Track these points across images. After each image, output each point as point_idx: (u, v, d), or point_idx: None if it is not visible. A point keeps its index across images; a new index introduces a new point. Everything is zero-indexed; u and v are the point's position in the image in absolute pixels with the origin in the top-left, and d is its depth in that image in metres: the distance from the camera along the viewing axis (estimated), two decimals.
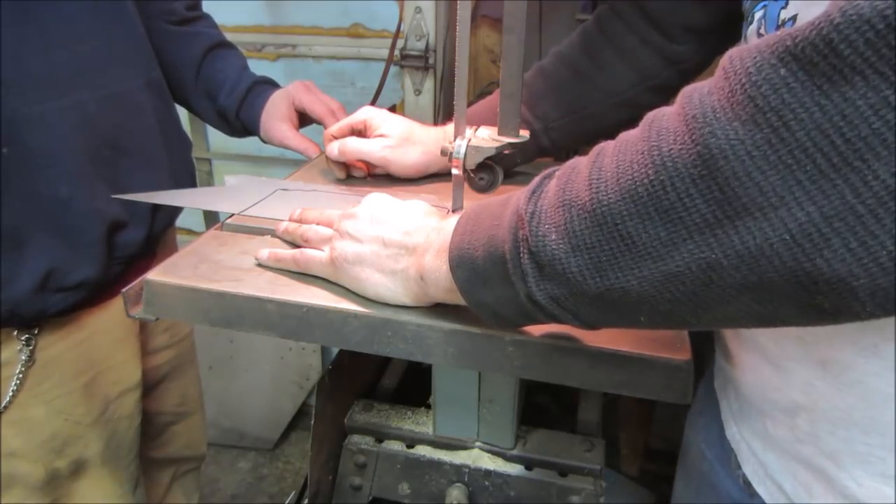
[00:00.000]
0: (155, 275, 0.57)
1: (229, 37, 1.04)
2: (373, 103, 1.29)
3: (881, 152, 0.28)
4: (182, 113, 0.98)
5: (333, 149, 0.78)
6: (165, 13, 0.94)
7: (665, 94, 0.77)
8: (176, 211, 0.94)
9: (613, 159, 0.37)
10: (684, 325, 0.41)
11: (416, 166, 0.79)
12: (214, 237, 0.65)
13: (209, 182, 1.94)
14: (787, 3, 0.47)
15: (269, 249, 0.59)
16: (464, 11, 0.58)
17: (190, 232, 1.77)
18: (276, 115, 0.94)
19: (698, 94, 0.34)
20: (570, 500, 0.70)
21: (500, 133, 0.64)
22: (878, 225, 0.29)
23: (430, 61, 1.12)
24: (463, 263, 0.45)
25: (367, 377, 0.85)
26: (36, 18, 0.71)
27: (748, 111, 0.31)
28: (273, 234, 0.65)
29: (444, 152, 0.65)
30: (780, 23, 0.47)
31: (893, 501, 0.45)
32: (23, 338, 0.77)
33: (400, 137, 0.77)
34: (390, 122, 0.78)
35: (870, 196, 0.29)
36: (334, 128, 0.80)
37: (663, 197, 0.34)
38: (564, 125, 0.78)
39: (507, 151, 0.63)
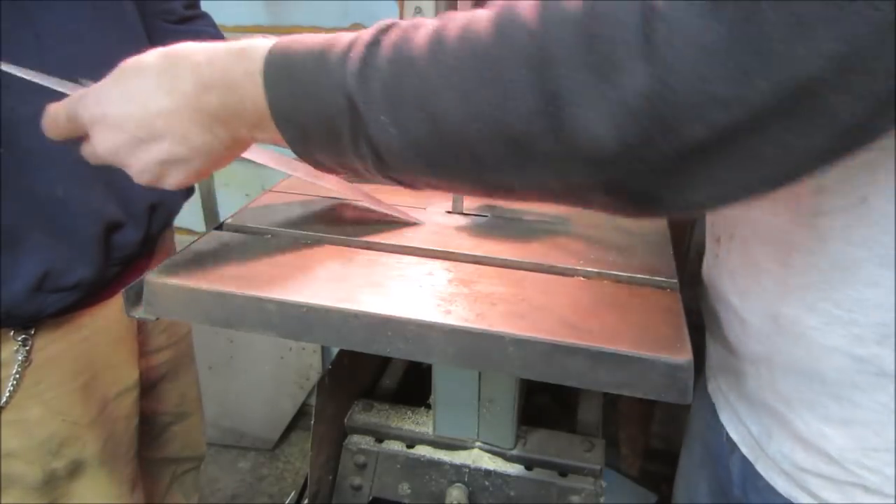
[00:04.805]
0: (155, 275, 0.57)
1: (229, 37, 1.03)
2: None
3: None
4: None
5: None
6: (164, 12, 0.94)
7: None
8: (173, 212, 0.94)
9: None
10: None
11: None
12: (214, 237, 0.65)
13: (209, 183, 1.94)
14: None
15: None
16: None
17: (190, 232, 1.77)
18: None
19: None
20: (570, 500, 0.70)
21: None
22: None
23: None
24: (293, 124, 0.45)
25: (367, 377, 0.85)
26: (31, 18, 0.71)
27: None
28: (272, 235, 0.65)
29: None
30: None
31: (835, 442, 0.51)
32: (19, 338, 0.77)
33: None
34: None
35: None
36: None
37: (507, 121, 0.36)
38: None
39: None
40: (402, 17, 1.13)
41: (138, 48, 0.85)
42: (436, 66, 0.38)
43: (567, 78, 0.33)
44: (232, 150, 0.51)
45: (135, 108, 0.47)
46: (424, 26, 0.40)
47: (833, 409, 0.50)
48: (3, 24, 0.68)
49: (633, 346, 0.48)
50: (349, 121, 0.41)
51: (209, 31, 1.00)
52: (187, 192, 0.96)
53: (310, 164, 0.48)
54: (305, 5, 1.59)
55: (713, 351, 0.66)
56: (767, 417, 0.57)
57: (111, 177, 0.79)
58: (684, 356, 0.47)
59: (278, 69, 0.44)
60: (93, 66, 0.77)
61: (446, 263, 0.61)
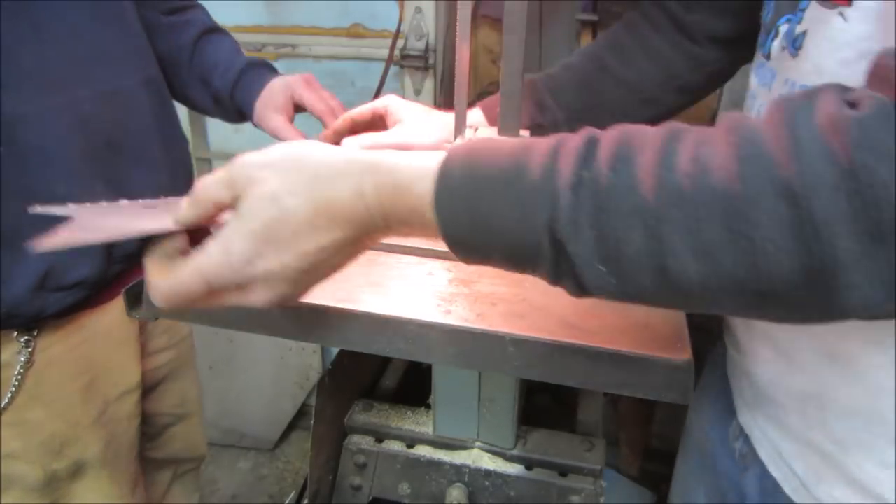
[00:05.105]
0: None
1: None
2: None
3: None
4: (182, 113, 0.98)
5: (352, 144, 0.76)
6: (156, 3, 0.93)
7: (691, 96, 0.77)
8: None
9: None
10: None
11: (434, 147, 0.76)
12: None
13: None
14: (802, 18, 0.49)
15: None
16: (464, 11, 0.58)
17: None
18: (272, 105, 0.92)
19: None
20: (570, 500, 0.70)
21: (500, 133, 0.65)
22: None
23: (430, 61, 1.12)
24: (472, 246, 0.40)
25: (367, 377, 0.85)
26: (30, 16, 0.70)
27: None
28: None
29: None
30: (795, 35, 0.49)
31: (892, 486, 0.48)
32: (22, 339, 0.77)
33: (416, 122, 0.75)
34: (409, 108, 0.76)
35: None
36: (355, 112, 0.78)
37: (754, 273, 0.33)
38: (588, 118, 0.77)
39: None
40: (401, 18, 1.13)
41: (136, 44, 0.85)
42: (669, 222, 0.34)
43: (839, 248, 0.31)
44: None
45: (292, 259, 0.41)
46: (638, 157, 0.35)
47: (890, 454, 0.48)
48: (4, 22, 0.68)
49: (633, 346, 0.48)
50: (552, 261, 0.38)
51: (201, 18, 0.99)
52: (187, 190, 0.96)
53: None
54: (305, 5, 1.59)
55: (746, 383, 0.62)
56: (815, 457, 0.53)
57: (112, 176, 0.80)
58: (684, 356, 0.47)
59: (454, 204, 0.39)
60: (91, 63, 0.77)
61: (446, 263, 0.61)
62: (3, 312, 0.73)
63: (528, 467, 0.72)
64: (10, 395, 0.77)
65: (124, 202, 0.53)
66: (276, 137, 0.91)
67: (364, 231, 0.42)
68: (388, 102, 0.77)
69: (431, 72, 1.14)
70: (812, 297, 0.33)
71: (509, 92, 0.61)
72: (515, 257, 0.40)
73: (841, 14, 0.44)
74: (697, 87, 0.77)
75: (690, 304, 0.37)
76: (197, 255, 0.43)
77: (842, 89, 0.34)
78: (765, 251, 0.32)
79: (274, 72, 0.97)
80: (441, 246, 0.41)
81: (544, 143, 0.38)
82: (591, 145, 0.37)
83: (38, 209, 0.48)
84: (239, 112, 0.96)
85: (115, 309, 0.86)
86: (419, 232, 0.42)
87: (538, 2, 0.98)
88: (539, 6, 1.00)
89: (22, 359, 0.77)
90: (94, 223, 0.49)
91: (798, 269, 0.32)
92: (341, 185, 0.41)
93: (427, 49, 1.12)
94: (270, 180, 0.41)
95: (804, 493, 0.55)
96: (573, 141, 0.37)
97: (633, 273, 0.36)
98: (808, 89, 0.35)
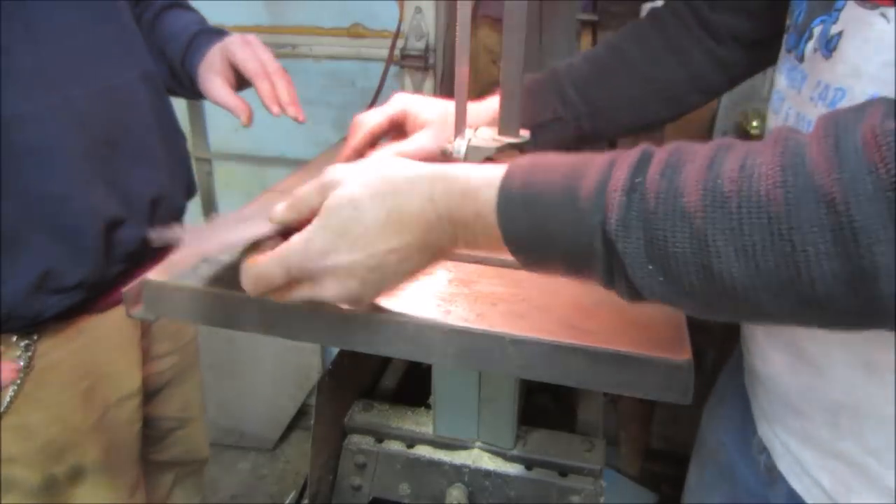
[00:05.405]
0: (155, 275, 0.57)
1: None
2: (373, 103, 1.29)
3: None
4: (182, 113, 0.97)
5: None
6: None
7: (711, 96, 0.77)
8: (177, 207, 0.92)
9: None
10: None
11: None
12: None
13: (209, 182, 1.94)
14: (837, 19, 0.48)
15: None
16: (464, 11, 0.58)
17: None
18: (212, 69, 0.85)
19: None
20: (570, 500, 0.70)
21: (500, 133, 0.65)
22: None
23: (430, 61, 1.11)
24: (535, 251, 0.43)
25: (367, 377, 0.85)
26: (25, 15, 0.70)
27: None
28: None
29: (444, 152, 0.65)
30: (829, 37, 0.48)
31: None
32: (22, 344, 0.77)
33: (442, 121, 0.71)
34: (429, 107, 0.73)
35: None
36: (372, 124, 0.74)
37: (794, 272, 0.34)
38: (609, 113, 0.76)
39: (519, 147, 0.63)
40: (401, 18, 1.13)
41: (131, 39, 0.84)
42: (713, 224, 0.35)
43: (877, 254, 0.32)
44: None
45: (363, 256, 0.45)
46: (687, 165, 0.37)
47: None
48: (1, 22, 0.68)
49: (633, 346, 0.48)
50: (604, 262, 0.40)
51: (183, 4, 0.96)
52: (188, 189, 0.95)
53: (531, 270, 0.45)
54: (305, 5, 1.59)
55: (763, 393, 0.61)
56: (845, 469, 0.53)
57: (111, 174, 0.79)
58: (684, 356, 0.47)
59: (515, 208, 0.42)
60: (86, 61, 0.76)
61: (446, 263, 0.61)
62: (2, 314, 0.73)
63: (528, 467, 0.72)
64: (9, 400, 0.77)
65: (220, 219, 0.59)
66: (216, 103, 0.85)
67: (432, 237, 0.45)
68: (405, 105, 0.74)
69: (431, 72, 1.14)
70: (853, 302, 0.34)
71: (509, 92, 0.61)
72: (571, 259, 0.41)
73: (883, 15, 0.43)
74: (719, 88, 0.76)
75: (736, 306, 0.38)
76: (283, 245, 0.47)
77: (890, 103, 0.35)
78: (806, 255, 0.33)
79: (226, 35, 0.89)
80: None
81: (602, 156, 0.41)
82: (645, 157, 0.39)
83: (154, 236, 0.54)
84: (193, 82, 0.89)
85: (115, 314, 0.85)
86: (483, 239, 0.44)
87: (538, 2, 0.98)
88: (539, 6, 0.99)
89: (22, 363, 0.77)
90: (203, 237, 0.56)
91: (838, 274, 0.33)
92: (414, 193, 0.45)
93: (427, 49, 1.12)
94: (353, 186, 0.46)
95: None
96: (629, 154, 0.40)
97: (679, 273, 0.37)
98: (859, 104, 0.36)
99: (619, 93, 0.76)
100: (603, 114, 0.76)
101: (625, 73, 0.75)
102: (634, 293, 0.40)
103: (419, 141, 0.70)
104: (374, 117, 0.74)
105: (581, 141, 0.78)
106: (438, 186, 0.45)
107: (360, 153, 0.74)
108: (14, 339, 0.76)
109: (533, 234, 0.42)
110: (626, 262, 0.38)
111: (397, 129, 0.75)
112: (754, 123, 1.23)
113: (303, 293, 0.48)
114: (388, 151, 0.70)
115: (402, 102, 0.74)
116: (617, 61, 0.76)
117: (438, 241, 0.46)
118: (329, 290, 0.47)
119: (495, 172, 0.43)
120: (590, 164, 0.41)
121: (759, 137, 0.41)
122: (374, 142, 0.75)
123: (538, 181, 0.41)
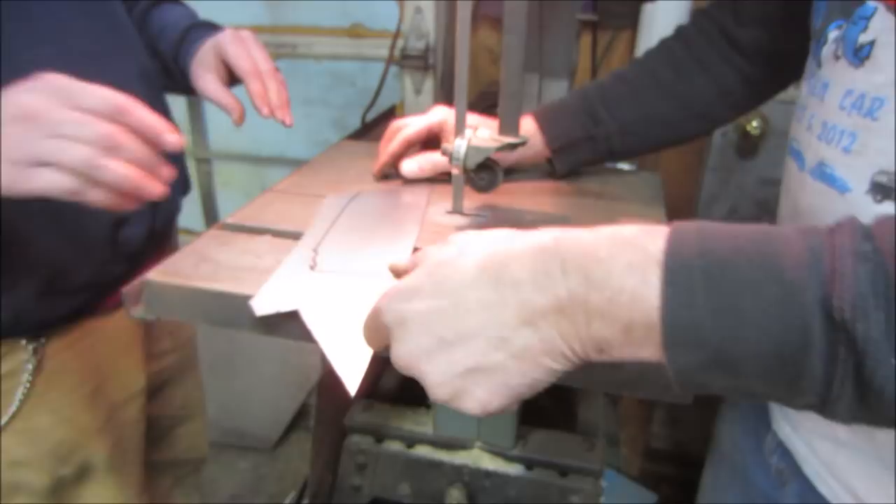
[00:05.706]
0: (155, 275, 0.57)
1: None
2: (372, 103, 1.29)
3: None
4: (181, 112, 0.97)
5: (412, 166, 0.76)
6: None
7: (739, 112, 0.79)
8: (174, 209, 0.93)
9: None
10: None
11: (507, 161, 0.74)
12: (215, 237, 0.65)
13: (209, 182, 1.94)
14: (866, 27, 0.46)
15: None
16: (464, 11, 0.58)
17: (189, 232, 1.78)
18: (204, 64, 0.83)
19: None
20: (570, 500, 0.70)
21: (500, 133, 0.65)
22: None
23: (430, 61, 1.11)
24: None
25: (367, 377, 0.85)
26: (23, 13, 0.70)
27: None
28: (272, 234, 0.65)
29: (444, 152, 0.65)
30: (857, 46, 0.47)
31: None
32: (30, 347, 0.77)
33: None
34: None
35: None
36: (411, 131, 0.75)
37: None
38: (640, 130, 0.78)
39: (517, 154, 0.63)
40: (401, 18, 1.13)
41: (127, 36, 0.84)
42: None
43: None
44: (553, 363, 0.38)
45: (445, 303, 0.38)
46: None
47: None
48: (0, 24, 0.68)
49: None
50: (826, 351, 0.30)
51: None
52: (184, 189, 0.96)
53: (686, 390, 0.35)
54: (305, 5, 1.59)
55: (787, 422, 0.60)
56: (885, 473, 0.51)
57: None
58: None
59: (690, 279, 0.32)
60: (85, 59, 0.76)
61: None
62: (8, 319, 0.72)
63: (529, 467, 0.72)
64: (18, 403, 0.77)
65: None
66: (208, 100, 0.84)
67: (532, 307, 0.36)
68: (444, 116, 0.75)
69: (431, 72, 1.13)
70: None
71: (509, 92, 0.61)
72: (770, 356, 0.31)
73: None
74: (747, 104, 0.77)
75: None
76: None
77: None
78: None
79: (219, 30, 0.87)
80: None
81: (789, 228, 0.33)
82: (864, 226, 0.32)
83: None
84: (186, 78, 0.86)
85: (120, 314, 0.85)
86: (625, 316, 0.34)
87: (538, 2, 0.98)
88: (539, 6, 0.99)
89: (30, 367, 0.77)
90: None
91: None
92: (517, 255, 0.38)
93: (427, 49, 1.12)
94: (461, 238, 0.42)
95: None
96: (844, 223, 0.32)
97: None
98: None
99: (651, 110, 0.77)
100: (635, 131, 0.78)
101: (655, 91, 0.77)
102: (863, 405, 0.31)
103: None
104: (413, 126, 0.76)
105: (612, 157, 0.81)
106: (569, 263, 0.36)
107: (394, 160, 0.78)
108: (23, 342, 0.76)
109: (716, 316, 0.31)
110: (867, 351, 0.29)
111: (433, 140, 0.77)
112: (754, 123, 1.23)
113: (384, 341, 0.44)
114: (420, 159, 0.74)
115: (441, 114, 0.76)
116: (647, 79, 0.78)
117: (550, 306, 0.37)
118: (397, 345, 0.42)
119: (653, 232, 0.34)
120: (772, 232, 0.32)
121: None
122: (408, 149, 0.78)
123: (716, 253, 0.32)
